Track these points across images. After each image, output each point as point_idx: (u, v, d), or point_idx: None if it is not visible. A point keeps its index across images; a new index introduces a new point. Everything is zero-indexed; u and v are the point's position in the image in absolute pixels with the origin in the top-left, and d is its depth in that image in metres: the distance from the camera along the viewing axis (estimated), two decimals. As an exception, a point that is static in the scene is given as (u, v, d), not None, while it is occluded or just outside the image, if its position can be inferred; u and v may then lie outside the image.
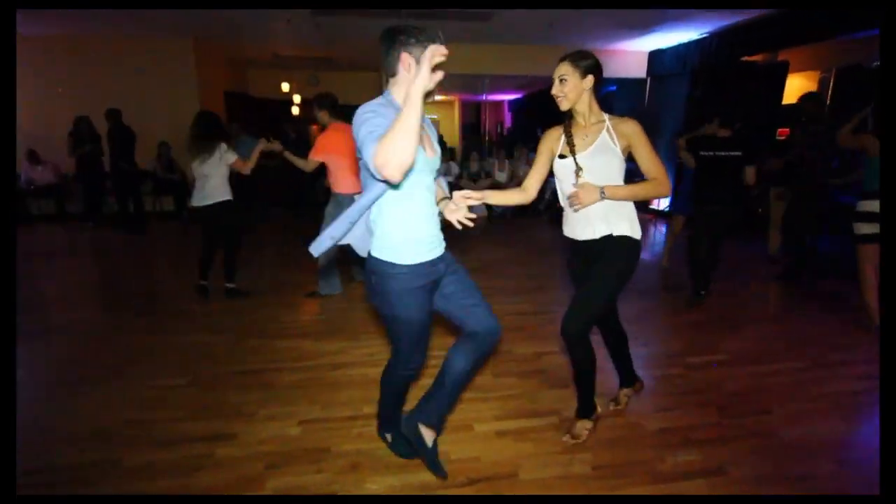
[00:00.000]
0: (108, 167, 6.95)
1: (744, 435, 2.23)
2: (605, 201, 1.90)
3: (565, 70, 1.87)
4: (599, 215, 1.94)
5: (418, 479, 1.91)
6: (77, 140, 6.67)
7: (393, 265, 1.64)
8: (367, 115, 1.49)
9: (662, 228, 7.33)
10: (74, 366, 2.88)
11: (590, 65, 1.87)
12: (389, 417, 2.05)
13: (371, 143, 1.41)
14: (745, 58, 6.65)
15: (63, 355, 3.03)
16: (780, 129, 7.30)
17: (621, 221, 1.95)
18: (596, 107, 1.95)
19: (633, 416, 2.37)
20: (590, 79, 1.87)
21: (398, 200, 1.61)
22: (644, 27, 6.76)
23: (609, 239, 1.96)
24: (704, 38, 7.01)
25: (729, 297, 4.14)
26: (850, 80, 6.77)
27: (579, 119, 1.96)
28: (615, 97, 9.62)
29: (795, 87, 7.36)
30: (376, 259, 1.67)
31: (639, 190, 1.91)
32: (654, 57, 8.20)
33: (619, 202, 1.93)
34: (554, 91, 1.91)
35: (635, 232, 1.98)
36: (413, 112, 1.32)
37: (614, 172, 1.91)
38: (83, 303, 4.11)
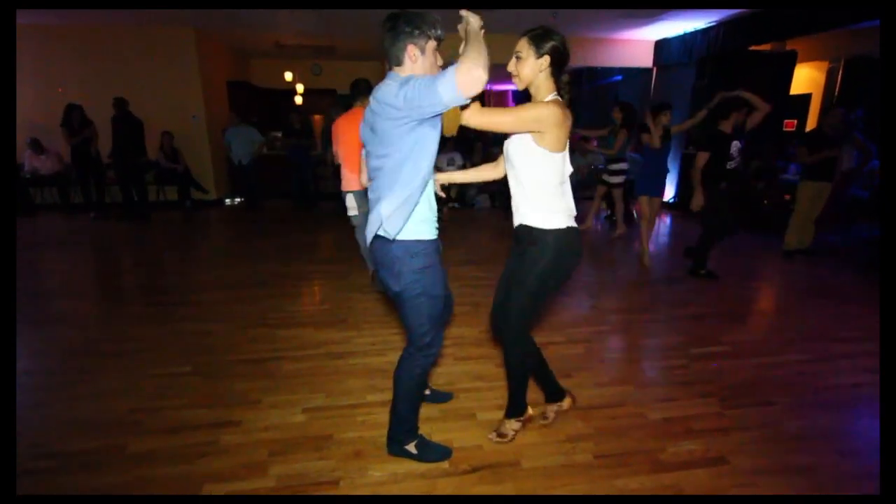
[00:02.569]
0: (108, 156, 6.95)
1: (745, 426, 2.23)
2: (516, 189, 1.83)
3: (521, 46, 1.73)
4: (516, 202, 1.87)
5: (421, 466, 1.93)
6: (69, 130, 6.63)
7: (418, 242, 1.70)
8: (413, 78, 1.52)
9: (667, 220, 7.30)
10: (78, 354, 2.90)
11: (548, 45, 1.70)
12: (411, 425, 1.97)
13: (447, 75, 1.42)
14: (753, 47, 6.57)
15: (67, 343, 3.05)
16: (786, 121, 7.26)
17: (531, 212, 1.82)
18: (546, 93, 1.76)
19: (636, 406, 2.38)
20: (545, 60, 1.71)
21: None
22: (650, 16, 6.68)
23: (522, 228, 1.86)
24: (711, 28, 6.92)
25: (732, 290, 4.12)
26: (859, 70, 6.70)
27: None
28: (620, 87, 9.55)
29: (804, 77, 7.29)
30: (399, 241, 1.69)
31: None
32: (661, 46, 8.11)
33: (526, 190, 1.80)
34: (509, 67, 1.78)
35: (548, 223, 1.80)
36: (482, 41, 1.47)
37: (533, 165, 1.75)
38: (86, 292, 4.12)
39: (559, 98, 1.75)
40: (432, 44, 1.64)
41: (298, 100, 10.35)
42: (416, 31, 1.59)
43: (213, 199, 8.31)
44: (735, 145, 4.10)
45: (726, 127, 4.09)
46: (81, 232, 6.35)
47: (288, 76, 10.06)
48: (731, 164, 4.14)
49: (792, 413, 2.34)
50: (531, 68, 1.73)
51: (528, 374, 2.05)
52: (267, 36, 8.10)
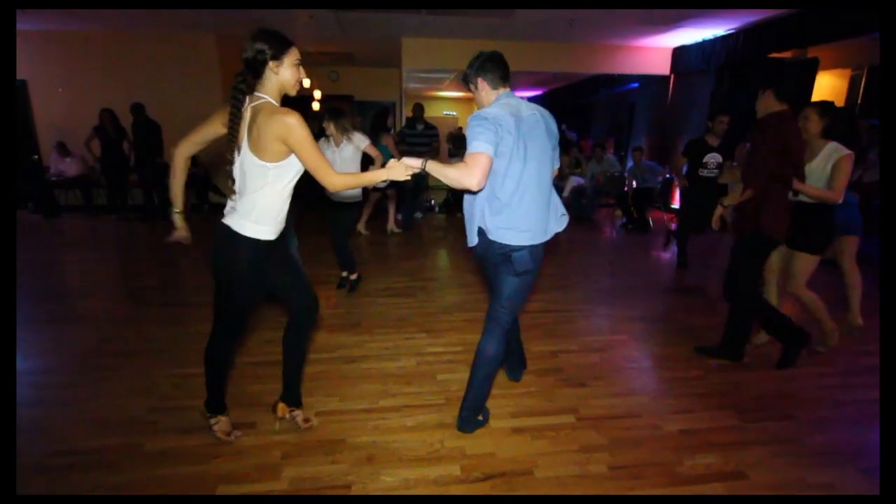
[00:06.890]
0: (132, 161, 7.12)
1: (764, 440, 2.18)
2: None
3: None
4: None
5: (434, 472, 1.92)
6: (102, 134, 6.81)
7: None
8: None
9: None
10: (97, 353, 2.96)
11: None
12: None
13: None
14: (773, 54, 6.48)
15: (88, 343, 3.10)
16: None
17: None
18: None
19: (652, 418, 2.34)
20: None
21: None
22: (667, 23, 6.63)
23: None
24: (731, 35, 6.85)
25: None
26: (884, 78, 6.56)
27: None
28: (638, 94, 9.48)
29: (825, 85, 7.16)
30: None
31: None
32: (679, 54, 8.04)
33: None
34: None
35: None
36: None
37: None
38: (106, 292, 4.20)
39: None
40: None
41: (316, 106, 10.49)
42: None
43: (231, 203, 8.42)
44: (714, 157, 4.63)
45: (711, 139, 4.63)
46: (103, 233, 6.48)
47: (306, 83, 10.16)
48: (703, 172, 4.64)
49: (813, 428, 2.28)
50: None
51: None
52: (286, 43, 8.23)
